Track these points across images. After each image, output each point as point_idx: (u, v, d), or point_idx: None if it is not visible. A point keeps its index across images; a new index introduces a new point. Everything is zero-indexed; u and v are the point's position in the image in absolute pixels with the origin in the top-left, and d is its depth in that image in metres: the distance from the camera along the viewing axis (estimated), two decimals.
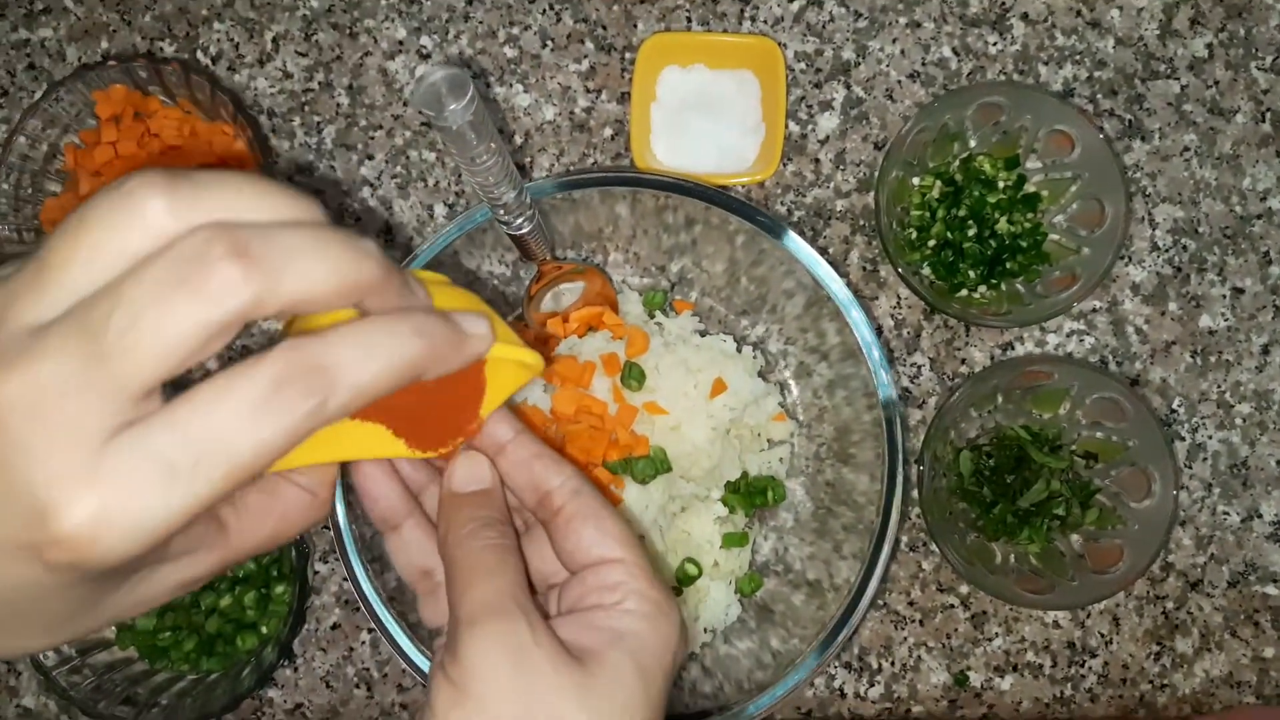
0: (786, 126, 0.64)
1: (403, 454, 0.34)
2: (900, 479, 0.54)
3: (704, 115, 0.63)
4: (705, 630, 0.59)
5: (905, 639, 0.63)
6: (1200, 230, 0.64)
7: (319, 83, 0.65)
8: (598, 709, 0.32)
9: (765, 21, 0.65)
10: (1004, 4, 0.65)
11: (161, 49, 0.66)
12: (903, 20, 0.65)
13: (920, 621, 0.63)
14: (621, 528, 0.36)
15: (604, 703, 0.32)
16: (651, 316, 0.61)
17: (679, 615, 0.35)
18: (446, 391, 0.33)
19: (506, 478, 0.38)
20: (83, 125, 0.63)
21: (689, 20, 0.65)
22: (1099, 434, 0.60)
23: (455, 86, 0.37)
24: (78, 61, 0.66)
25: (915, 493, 0.60)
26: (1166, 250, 0.64)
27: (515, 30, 0.65)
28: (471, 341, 0.29)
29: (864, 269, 0.65)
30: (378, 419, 0.32)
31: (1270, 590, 0.63)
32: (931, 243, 0.62)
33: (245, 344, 0.63)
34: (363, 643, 0.63)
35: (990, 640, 0.62)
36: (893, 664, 0.62)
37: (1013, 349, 0.64)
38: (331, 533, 0.54)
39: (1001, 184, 0.62)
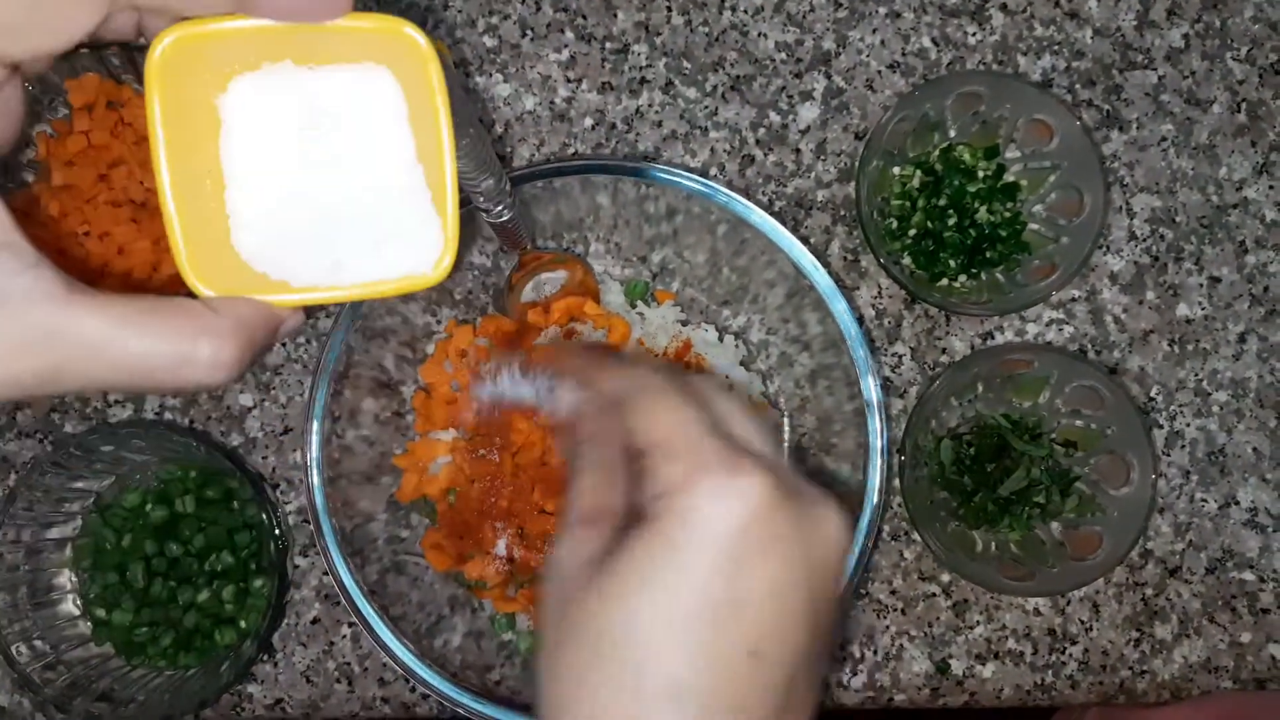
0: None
1: None
2: (881, 468, 0.54)
3: (313, 167, 0.33)
4: None
5: (888, 628, 0.63)
6: (1177, 220, 0.65)
7: None
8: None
9: (745, 10, 0.65)
10: None
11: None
12: (882, 10, 0.65)
13: (902, 610, 0.63)
14: (650, 416, 0.33)
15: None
16: (633, 306, 0.61)
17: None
18: None
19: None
20: (55, 114, 0.62)
21: (669, 10, 0.65)
22: (1078, 422, 0.60)
23: None
24: None
25: (896, 482, 0.60)
26: (1144, 240, 0.65)
27: (494, 20, 0.65)
28: None
29: (845, 259, 0.65)
30: None
31: (1247, 576, 0.63)
32: (912, 232, 0.62)
33: None
34: (343, 637, 0.62)
35: (972, 628, 0.63)
36: (875, 653, 0.63)
37: (993, 338, 0.64)
38: (311, 526, 0.53)
39: (981, 173, 0.62)
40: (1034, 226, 0.62)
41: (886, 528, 0.63)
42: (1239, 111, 0.65)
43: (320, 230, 0.33)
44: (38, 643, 0.58)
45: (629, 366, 0.35)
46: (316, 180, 0.32)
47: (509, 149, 0.65)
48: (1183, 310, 0.64)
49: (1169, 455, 0.64)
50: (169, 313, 0.29)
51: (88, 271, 0.61)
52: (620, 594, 0.30)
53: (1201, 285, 0.64)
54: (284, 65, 0.31)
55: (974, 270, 0.62)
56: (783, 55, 0.65)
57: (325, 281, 0.33)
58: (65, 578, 0.61)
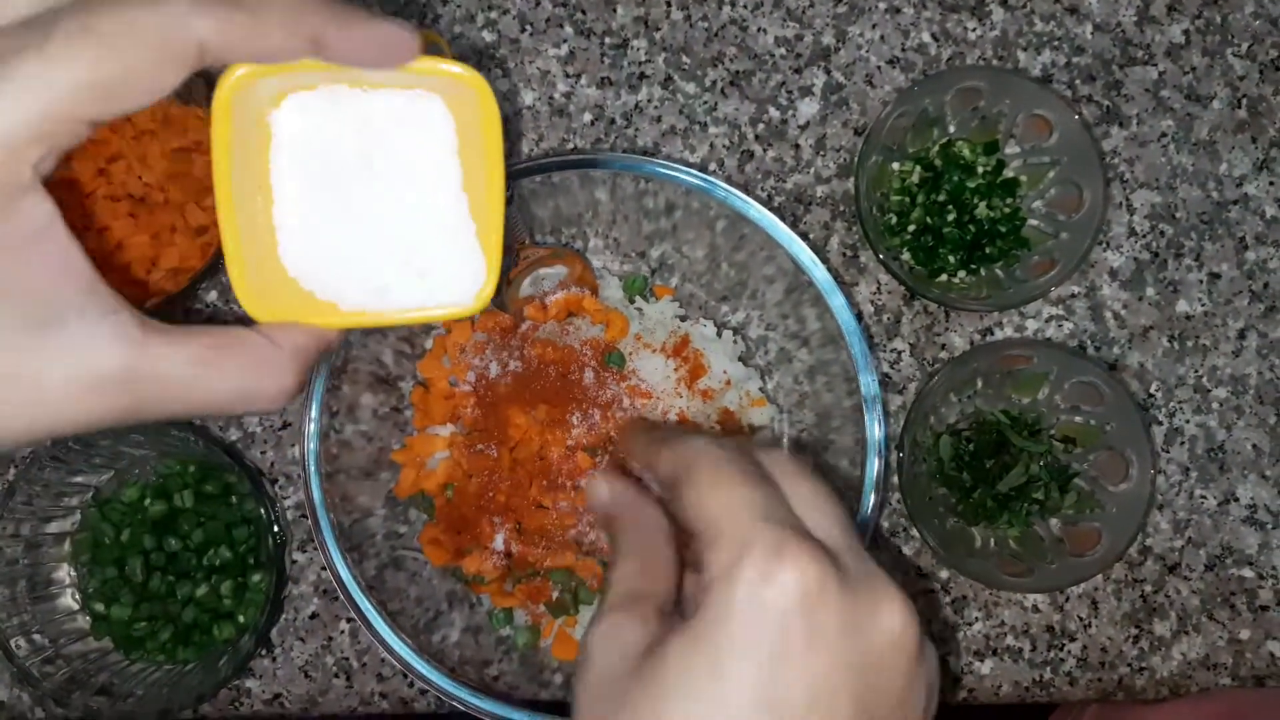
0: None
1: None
2: (880, 464, 0.54)
3: (361, 188, 0.33)
4: None
5: None
6: (1177, 216, 0.65)
7: None
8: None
9: (744, 5, 0.64)
10: None
11: None
12: (882, 5, 0.65)
13: None
14: (701, 495, 0.31)
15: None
16: (632, 302, 0.61)
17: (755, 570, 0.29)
18: None
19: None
20: None
21: (668, 4, 0.64)
22: (1077, 418, 0.60)
23: None
24: None
25: (895, 478, 0.60)
26: (1144, 236, 0.65)
27: (493, 14, 0.65)
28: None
29: (844, 255, 0.64)
30: None
31: (1246, 573, 0.63)
32: (911, 228, 0.62)
33: None
34: (342, 632, 0.62)
35: (970, 625, 0.63)
36: None
37: (992, 334, 0.64)
38: (309, 521, 0.53)
39: (980, 169, 0.62)
40: (1033, 222, 0.62)
41: (885, 524, 0.63)
42: (1239, 107, 0.65)
43: (366, 252, 0.33)
44: (37, 637, 0.58)
45: (687, 440, 0.34)
46: (364, 201, 0.33)
47: (507, 144, 0.65)
48: (1182, 306, 0.64)
49: (1168, 452, 0.64)
50: (235, 350, 0.31)
51: None
52: (657, 705, 0.29)
53: (1201, 281, 0.64)
54: (338, 86, 0.32)
55: (973, 266, 0.62)
56: (782, 50, 0.65)
57: (371, 305, 0.34)
58: (64, 572, 0.61)
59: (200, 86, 0.60)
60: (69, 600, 0.61)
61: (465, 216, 0.34)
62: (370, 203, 0.33)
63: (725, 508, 0.30)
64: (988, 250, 0.62)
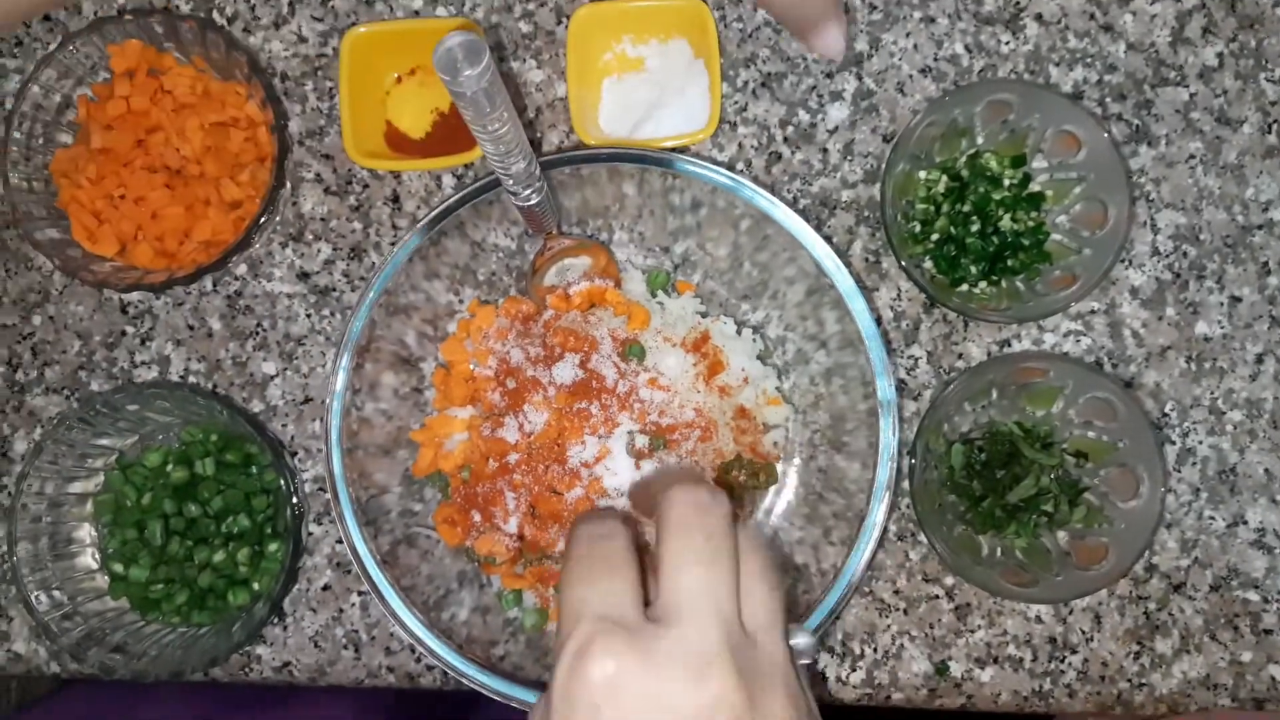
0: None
1: None
2: (891, 468, 0.54)
3: (644, 83, 0.65)
4: None
5: (889, 627, 0.63)
6: (1201, 238, 0.65)
7: (333, 48, 0.66)
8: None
9: None
10: (1018, 3, 0.65)
11: (178, 6, 0.66)
12: (917, 15, 0.65)
13: (905, 610, 0.63)
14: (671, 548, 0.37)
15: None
16: (654, 296, 0.62)
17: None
18: None
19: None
20: (96, 78, 0.63)
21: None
22: (1090, 433, 0.61)
23: (471, 52, 0.38)
24: (94, 15, 0.66)
25: (906, 483, 0.60)
26: (1167, 256, 0.65)
27: (531, 5, 0.65)
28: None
29: (866, 260, 0.65)
30: None
31: (1251, 596, 0.64)
32: (935, 237, 0.63)
33: None
34: (353, 604, 0.64)
35: (973, 632, 0.63)
36: (875, 651, 0.63)
37: (1009, 345, 0.65)
38: (328, 494, 0.54)
39: (1007, 181, 0.62)
40: (1057, 237, 0.62)
41: (893, 528, 0.64)
42: (1269, 133, 0.65)
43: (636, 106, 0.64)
44: (56, 593, 0.60)
45: (669, 506, 0.38)
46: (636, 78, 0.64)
47: (539, 134, 0.65)
48: (1201, 328, 0.64)
49: (1179, 471, 0.64)
50: None
51: (121, 234, 0.62)
52: None
53: (1222, 304, 0.65)
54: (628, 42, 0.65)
55: (994, 277, 0.63)
56: (814, 54, 0.65)
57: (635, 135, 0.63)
58: (85, 532, 0.63)
59: (242, 64, 0.61)
60: (89, 559, 0.63)
61: (699, 76, 0.64)
62: (639, 79, 0.64)
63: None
64: (1010, 262, 0.62)
